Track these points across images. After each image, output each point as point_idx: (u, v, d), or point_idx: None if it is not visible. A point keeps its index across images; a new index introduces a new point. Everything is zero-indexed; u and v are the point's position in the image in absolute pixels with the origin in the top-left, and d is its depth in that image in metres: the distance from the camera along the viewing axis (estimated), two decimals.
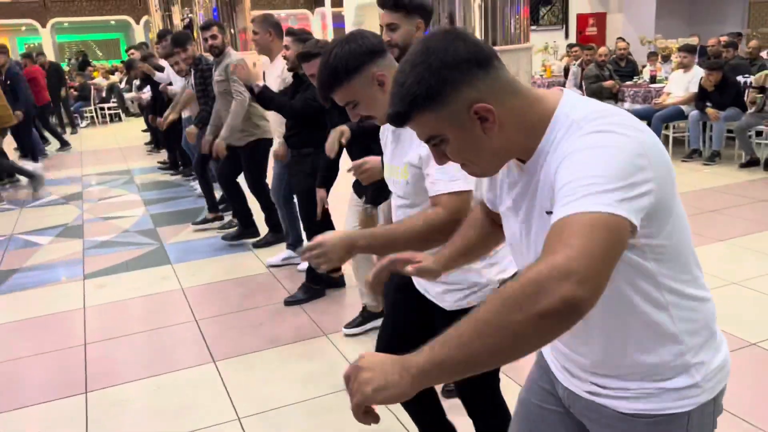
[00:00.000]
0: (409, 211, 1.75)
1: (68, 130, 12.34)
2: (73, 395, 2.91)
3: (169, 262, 4.64)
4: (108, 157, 9.48)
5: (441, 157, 1.07)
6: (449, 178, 1.60)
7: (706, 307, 1.13)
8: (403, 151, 1.73)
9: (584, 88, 8.12)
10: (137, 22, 20.33)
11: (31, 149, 8.94)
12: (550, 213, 0.96)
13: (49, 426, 2.70)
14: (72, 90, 13.08)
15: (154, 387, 2.95)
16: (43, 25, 19.31)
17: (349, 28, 19.03)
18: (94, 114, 13.72)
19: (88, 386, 2.98)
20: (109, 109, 13.81)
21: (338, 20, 18.58)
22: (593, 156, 0.92)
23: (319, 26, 21.02)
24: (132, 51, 9.68)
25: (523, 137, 1.04)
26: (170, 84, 6.50)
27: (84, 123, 13.45)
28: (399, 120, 1.03)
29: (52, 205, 6.72)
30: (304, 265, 4.23)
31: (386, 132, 1.85)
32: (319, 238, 1.52)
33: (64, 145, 10.38)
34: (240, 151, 4.62)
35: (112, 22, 21.62)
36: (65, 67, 16.20)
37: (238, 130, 4.51)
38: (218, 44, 4.59)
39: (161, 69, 6.84)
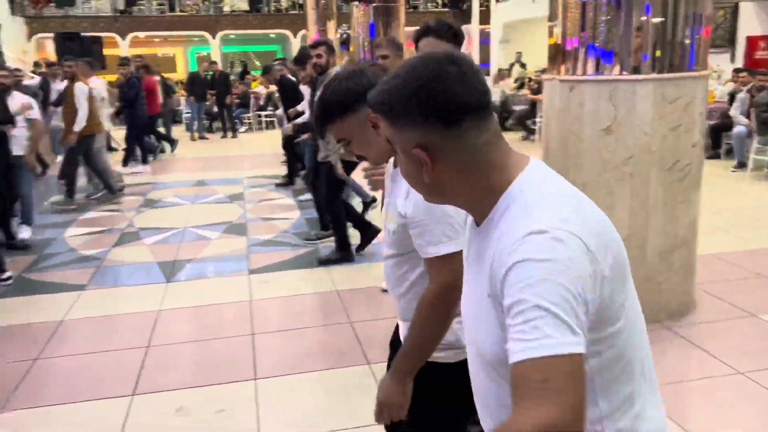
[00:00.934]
0: (393, 261, 1.65)
1: (229, 134, 13.40)
2: (245, 380, 3.19)
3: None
4: (264, 161, 10.17)
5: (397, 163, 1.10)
6: (431, 240, 1.50)
7: (654, 426, 1.03)
8: (394, 194, 1.61)
9: (753, 116, 7.57)
10: (295, 36, 21.60)
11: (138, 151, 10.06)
12: (489, 296, 0.97)
13: (223, 405, 2.98)
14: (235, 98, 14.18)
15: (317, 381, 3.17)
16: (213, 37, 21.10)
17: (494, 45, 19.05)
18: (251, 120, 14.78)
19: (257, 373, 3.26)
20: (266, 116, 14.81)
21: (484, 37, 18.63)
22: (542, 277, 0.87)
23: (465, 43, 21.15)
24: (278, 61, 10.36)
25: (476, 197, 1.03)
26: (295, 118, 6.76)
27: (243, 128, 14.51)
28: (371, 108, 1.07)
29: (219, 203, 7.35)
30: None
31: (389, 166, 1.73)
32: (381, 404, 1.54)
33: (173, 145, 11.33)
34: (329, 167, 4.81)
35: (272, 35, 23.13)
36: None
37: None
38: (322, 63, 4.83)
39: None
